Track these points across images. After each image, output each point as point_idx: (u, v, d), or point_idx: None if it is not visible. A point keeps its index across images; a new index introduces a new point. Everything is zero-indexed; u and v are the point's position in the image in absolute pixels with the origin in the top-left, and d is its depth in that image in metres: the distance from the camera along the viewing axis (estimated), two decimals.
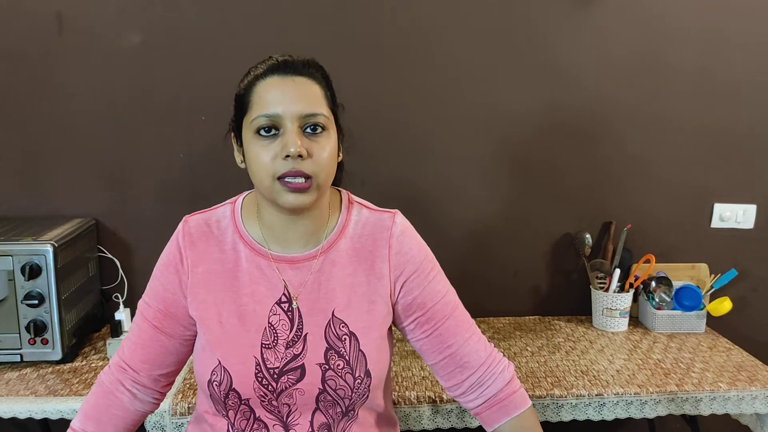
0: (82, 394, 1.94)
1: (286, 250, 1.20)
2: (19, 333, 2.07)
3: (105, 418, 1.22)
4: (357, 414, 1.21)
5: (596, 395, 2.01)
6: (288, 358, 1.17)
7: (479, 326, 2.47)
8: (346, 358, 1.17)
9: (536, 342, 2.38)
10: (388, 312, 1.22)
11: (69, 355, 2.14)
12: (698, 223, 2.59)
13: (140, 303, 1.25)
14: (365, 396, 1.20)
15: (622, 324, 2.47)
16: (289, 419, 1.18)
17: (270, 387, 1.16)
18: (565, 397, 2.02)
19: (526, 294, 2.63)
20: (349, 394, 1.18)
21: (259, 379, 1.16)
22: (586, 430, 2.54)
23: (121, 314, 2.26)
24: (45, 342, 2.09)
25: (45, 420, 1.96)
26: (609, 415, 2.03)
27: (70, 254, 2.17)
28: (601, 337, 2.42)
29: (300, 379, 1.17)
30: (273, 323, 1.17)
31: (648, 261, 2.44)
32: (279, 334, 1.17)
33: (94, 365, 2.13)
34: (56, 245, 2.06)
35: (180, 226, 1.23)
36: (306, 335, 1.17)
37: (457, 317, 1.26)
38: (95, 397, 1.24)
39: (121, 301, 2.38)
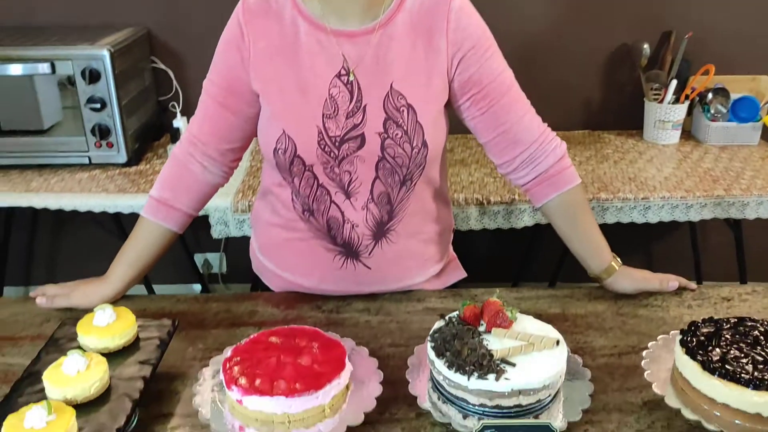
0: (149, 191, 2.06)
1: (345, 24, 1.20)
2: (86, 136, 2.18)
3: (179, 187, 1.31)
4: (414, 185, 1.27)
5: (642, 199, 2.05)
6: (348, 128, 1.21)
7: None
8: (404, 128, 1.21)
9: (584, 153, 2.39)
10: (445, 88, 1.24)
11: (133, 159, 2.25)
12: (762, 33, 2.47)
13: (205, 82, 1.29)
14: (422, 166, 1.25)
15: (674, 136, 2.44)
16: (350, 187, 1.25)
17: (332, 154, 1.22)
18: (611, 200, 2.06)
19: (576, 108, 2.61)
20: (407, 162, 1.23)
21: (322, 146, 1.21)
22: (628, 233, 2.61)
23: (179, 122, 2.33)
24: (110, 145, 2.19)
25: (117, 215, 2.11)
26: (653, 218, 2.08)
27: (125, 61, 2.21)
28: (651, 149, 2.42)
29: (360, 147, 1.22)
30: (333, 95, 1.20)
31: (707, 72, 2.37)
32: (339, 105, 1.20)
33: (157, 168, 2.24)
34: (112, 50, 2.10)
35: (239, 3, 1.23)
36: (365, 106, 1.20)
37: (512, 95, 1.27)
38: (169, 170, 1.33)
39: (177, 110, 2.45)
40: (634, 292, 1.31)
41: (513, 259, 2.75)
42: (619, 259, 1.32)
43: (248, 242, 1.51)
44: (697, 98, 2.43)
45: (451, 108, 1.30)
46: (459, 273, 1.47)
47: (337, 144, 1.22)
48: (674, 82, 2.37)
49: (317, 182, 1.25)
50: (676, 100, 2.40)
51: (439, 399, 0.98)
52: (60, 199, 2.04)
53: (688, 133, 2.53)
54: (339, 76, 1.21)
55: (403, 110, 1.21)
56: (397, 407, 1.03)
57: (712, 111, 2.41)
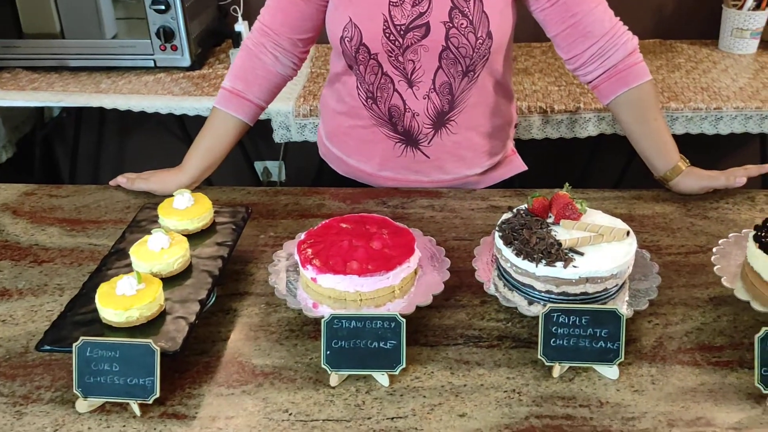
0: (213, 95, 2.09)
1: None
2: (150, 39, 2.20)
3: (251, 77, 1.33)
4: (477, 76, 1.26)
5: (714, 109, 1.98)
6: (414, 16, 1.20)
7: None
8: (470, 17, 1.19)
9: (655, 62, 2.29)
10: None
11: (197, 63, 2.27)
12: None
13: None
14: (485, 57, 1.24)
15: (752, 45, 2.32)
16: (413, 76, 1.25)
17: (397, 42, 1.22)
18: (681, 110, 1.99)
19: (647, 15, 2.49)
20: (470, 53, 1.22)
21: (387, 34, 1.21)
22: (696, 145, 2.53)
23: (240, 26, 2.33)
24: (174, 48, 2.21)
25: (182, 118, 2.15)
26: (725, 129, 2.01)
27: None
28: (727, 58, 2.30)
29: (425, 36, 1.21)
30: None
31: None
32: None
33: (220, 73, 2.26)
34: None
35: None
36: None
37: None
38: (242, 61, 1.35)
39: (239, 14, 2.44)
40: (701, 191, 1.29)
41: (575, 168, 2.71)
42: (687, 161, 1.29)
43: (308, 149, 1.54)
44: None
45: (521, 3, 1.27)
46: (518, 165, 1.48)
47: (402, 32, 1.21)
48: None
49: (381, 71, 1.26)
50: (757, 7, 2.26)
51: (505, 287, 1.01)
52: (129, 100, 2.09)
53: (766, 43, 2.39)
54: None
55: (469, 0, 1.19)
56: (462, 294, 1.06)
57: None
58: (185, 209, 1.11)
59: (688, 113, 1.99)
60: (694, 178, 1.29)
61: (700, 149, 2.53)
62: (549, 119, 2.06)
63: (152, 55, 2.23)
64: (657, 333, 0.97)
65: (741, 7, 2.27)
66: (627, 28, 1.28)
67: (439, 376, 0.92)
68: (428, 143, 1.33)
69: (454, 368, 0.93)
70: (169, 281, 1.00)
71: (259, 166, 2.91)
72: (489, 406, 0.87)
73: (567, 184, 1.08)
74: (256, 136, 2.80)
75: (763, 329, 0.84)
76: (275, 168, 2.94)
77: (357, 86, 1.31)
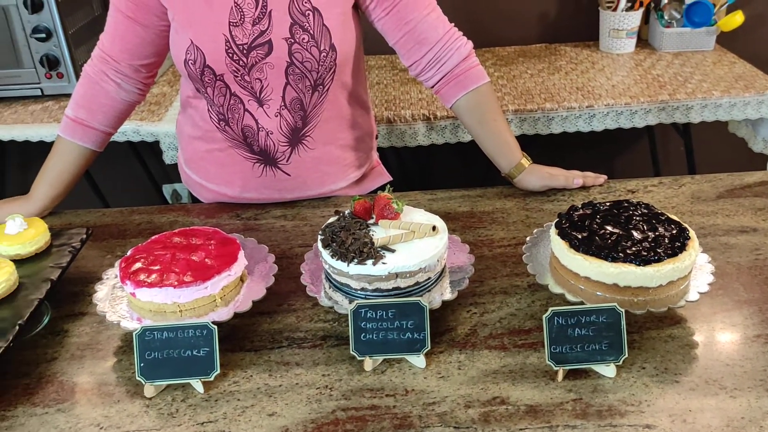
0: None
1: None
2: (35, 68, 2.19)
3: (94, 106, 1.33)
4: (327, 90, 1.30)
5: (587, 107, 2.06)
6: (255, 34, 1.23)
7: (483, 55, 2.52)
8: (311, 32, 1.23)
9: (537, 65, 2.38)
10: None
11: None
12: None
13: None
14: (332, 70, 1.27)
15: (629, 45, 2.43)
16: (262, 95, 1.27)
17: (241, 62, 1.24)
18: (556, 110, 2.07)
19: (532, 20, 2.58)
20: (316, 66, 1.25)
21: (230, 54, 1.23)
22: (592, 146, 2.62)
23: None
24: (60, 76, 2.21)
25: None
26: (598, 126, 2.10)
27: None
28: (605, 58, 2.41)
29: (268, 54, 1.24)
30: (238, 2, 1.21)
31: None
32: (245, 12, 1.22)
33: None
34: None
35: None
36: (270, 12, 1.22)
37: None
38: (83, 89, 1.35)
39: None
40: (542, 189, 1.35)
41: (471, 171, 2.77)
42: (529, 159, 1.35)
43: None
44: (652, 4, 2.40)
45: (362, 14, 1.31)
46: (382, 178, 1.51)
47: (244, 52, 1.24)
48: None
49: (229, 91, 1.27)
50: (631, 8, 2.37)
51: (330, 288, 1.04)
52: (11, 130, 2.07)
53: (645, 42, 2.51)
54: None
55: (308, 14, 1.23)
56: (295, 299, 1.09)
57: (666, 17, 2.38)
58: (17, 234, 1.11)
59: (562, 112, 2.07)
60: (536, 176, 1.35)
61: (593, 146, 2.65)
62: (433, 126, 2.12)
63: (38, 83, 2.22)
64: (473, 321, 1.02)
65: (615, 9, 2.37)
66: (461, 33, 1.34)
67: (257, 379, 0.94)
68: (287, 161, 1.34)
69: (273, 370, 0.95)
70: None
71: (167, 189, 2.90)
72: (300, 403, 0.89)
73: (389, 186, 1.12)
74: (162, 159, 2.80)
75: (551, 309, 0.89)
76: (184, 190, 2.93)
77: (208, 109, 1.33)
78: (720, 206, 1.27)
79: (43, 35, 2.12)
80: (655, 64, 2.31)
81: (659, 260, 0.93)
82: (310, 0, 1.22)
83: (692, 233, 0.99)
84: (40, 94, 2.24)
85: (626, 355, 0.89)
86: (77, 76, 2.20)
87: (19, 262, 1.10)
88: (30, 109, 2.19)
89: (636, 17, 2.38)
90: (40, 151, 2.44)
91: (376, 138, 1.53)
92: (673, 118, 2.09)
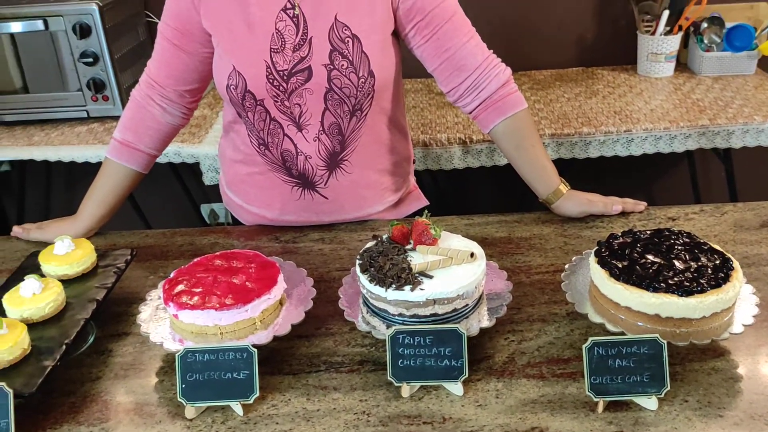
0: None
1: None
2: (82, 91, 2.26)
3: (141, 129, 1.38)
4: (366, 115, 1.32)
5: (624, 131, 2.04)
6: (296, 60, 1.26)
7: (520, 79, 2.52)
8: (350, 58, 1.25)
9: (574, 89, 2.37)
10: (390, 17, 1.27)
11: None
12: None
13: (160, 25, 1.34)
14: (370, 96, 1.29)
15: (668, 69, 2.41)
16: (301, 119, 1.30)
17: (281, 87, 1.27)
18: (594, 134, 2.06)
19: (569, 44, 2.58)
20: (354, 92, 1.27)
21: (270, 80, 1.26)
22: (630, 171, 2.60)
23: None
24: (106, 99, 2.28)
25: None
26: (637, 151, 2.08)
27: (117, 15, 2.27)
28: (644, 82, 2.39)
29: (308, 80, 1.26)
30: (279, 29, 1.24)
31: (700, 1, 2.31)
32: (286, 39, 1.25)
33: None
34: (101, 4, 2.16)
35: None
36: (311, 38, 1.24)
37: (455, 21, 1.29)
38: (131, 112, 1.40)
39: None
40: (580, 215, 1.34)
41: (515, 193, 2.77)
42: (567, 184, 1.35)
43: None
44: (691, 29, 2.38)
45: (401, 41, 1.33)
46: (419, 202, 1.52)
47: (285, 77, 1.26)
48: (666, 13, 2.32)
49: (269, 116, 1.30)
50: (670, 32, 2.35)
51: (367, 312, 1.05)
52: (58, 151, 2.13)
53: (684, 66, 2.48)
54: (285, 9, 1.25)
55: (348, 41, 1.25)
56: (333, 322, 1.10)
57: (706, 41, 2.36)
58: (65, 254, 1.14)
59: (600, 137, 2.06)
60: (574, 202, 1.34)
61: (632, 170, 2.62)
62: (469, 149, 2.13)
63: (84, 106, 2.29)
64: (511, 349, 1.01)
65: (653, 33, 2.36)
66: (500, 60, 1.35)
67: (295, 402, 0.95)
68: (324, 185, 1.36)
69: (311, 394, 0.96)
70: (41, 326, 1.03)
71: (205, 209, 2.96)
72: (337, 429, 0.90)
73: (426, 211, 1.12)
74: (200, 179, 2.85)
75: (591, 339, 0.88)
76: (221, 210, 2.98)
77: (248, 133, 1.36)
78: (764, 235, 1.25)
79: (91, 60, 2.20)
80: (695, 89, 2.28)
81: (702, 291, 0.91)
82: (350, 27, 1.25)
83: (736, 263, 0.98)
84: (86, 116, 2.31)
85: (668, 388, 0.88)
86: (122, 99, 2.28)
87: (66, 282, 1.13)
88: (76, 131, 2.26)
89: (675, 41, 2.36)
90: (85, 171, 2.52)
91: (414, 163, 1.54)
92: (714, 143, 2.06)
